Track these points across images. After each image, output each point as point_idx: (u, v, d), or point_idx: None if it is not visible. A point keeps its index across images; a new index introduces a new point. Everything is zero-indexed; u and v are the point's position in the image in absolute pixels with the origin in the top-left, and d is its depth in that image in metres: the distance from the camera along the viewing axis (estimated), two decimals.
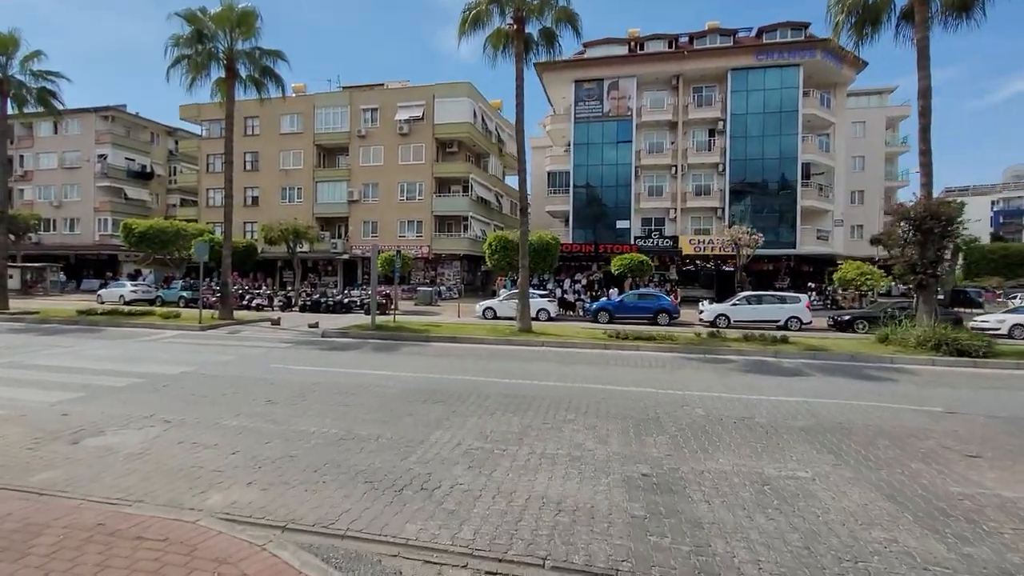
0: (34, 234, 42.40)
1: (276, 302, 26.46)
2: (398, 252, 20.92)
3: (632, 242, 34.29)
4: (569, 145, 37.16)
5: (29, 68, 19.45)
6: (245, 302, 25.89)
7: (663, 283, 34.11)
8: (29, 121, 44.32)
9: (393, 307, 24.37)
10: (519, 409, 7.29)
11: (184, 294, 28.19)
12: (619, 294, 27.36)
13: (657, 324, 21.02)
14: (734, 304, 20.68)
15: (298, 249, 30.14)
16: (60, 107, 21.73)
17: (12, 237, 38.42)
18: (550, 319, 22.55)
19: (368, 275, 39.97)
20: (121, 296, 28.47)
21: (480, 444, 5.81)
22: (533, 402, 7.70)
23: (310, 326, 16.53)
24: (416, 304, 29.93)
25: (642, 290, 24.88)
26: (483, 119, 40.67)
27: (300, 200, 40.00)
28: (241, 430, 6.18)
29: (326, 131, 39.66)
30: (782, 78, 33.68)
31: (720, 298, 29.69)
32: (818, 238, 34.10)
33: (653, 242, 34.38)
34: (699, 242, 33.59)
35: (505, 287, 32.60)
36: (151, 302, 28.34)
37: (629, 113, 35.44)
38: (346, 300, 26.22)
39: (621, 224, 35.67)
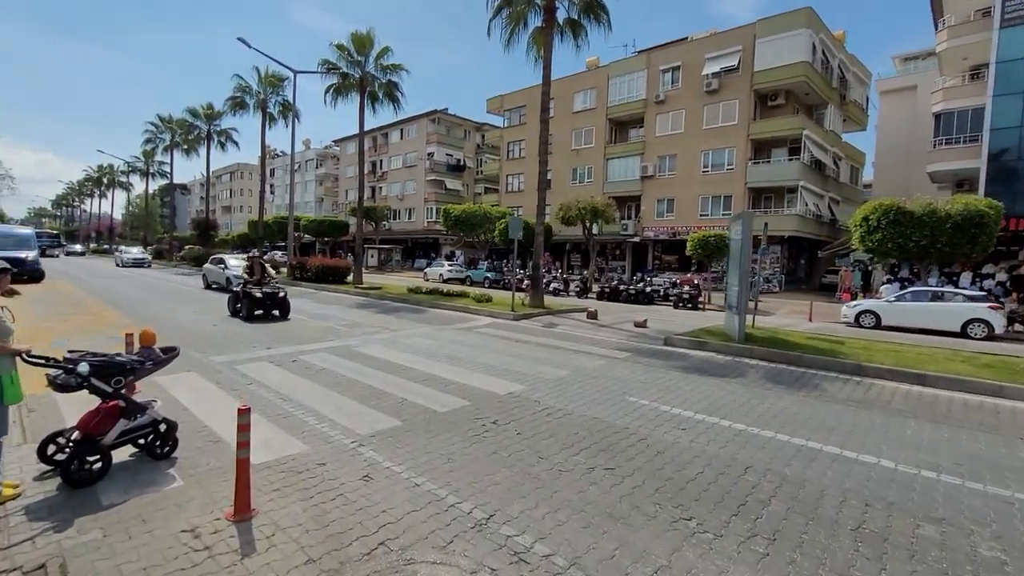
0: (387, 222, 52.78)
1: (572, 287, 24.50)
2: (765, 226, 15.30)
3: None
4: (985, 67, 24.31)
5: (380, 63, 21.63)
6: (543, 285, 24.92)
7: None
8: (386, 131, 55.31)
9: (705, 302, 19.22)
10: None
11: (488, 275, 29.51)
12: None
13: None
14: None
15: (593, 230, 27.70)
16: (401, 99, 23.67)
17: (373, 225, 48.82)
18: (989, 337, 13.79)
19: (659, 259, 35.39)
20: (440, 274, 31.39)
21: None
22: None
23: (637, 325, 12.77)
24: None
25: None
26: (824, 55, 30.65)
27: (590, 180, 38.05)
28: None
29: (619, 102, 36.35)
30: None
31: None
32: None
33: None
34: None
35: (870, 282, 23.51)
36: (462, 281, 30.35)
37: None
38: (648, 289, 22.12)
39: None
